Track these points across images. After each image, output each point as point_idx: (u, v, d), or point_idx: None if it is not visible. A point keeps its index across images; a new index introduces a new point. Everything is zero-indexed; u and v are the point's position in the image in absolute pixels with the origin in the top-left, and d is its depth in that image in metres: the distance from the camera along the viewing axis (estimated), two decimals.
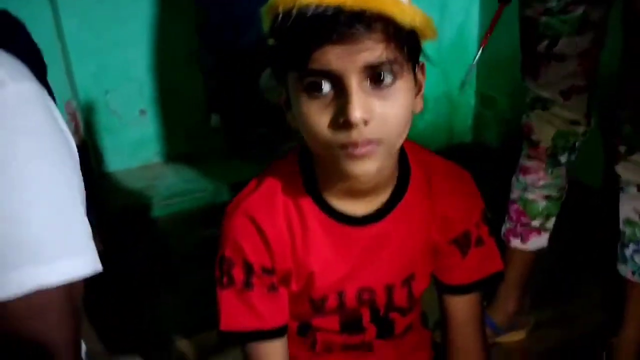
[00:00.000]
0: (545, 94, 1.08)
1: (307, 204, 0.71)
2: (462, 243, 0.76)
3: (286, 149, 0.80)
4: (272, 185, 0.72)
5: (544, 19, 1.02)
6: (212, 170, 2.17)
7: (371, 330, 0.81)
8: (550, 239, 1.21)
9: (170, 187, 2.09)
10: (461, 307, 0.78)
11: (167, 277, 1.62)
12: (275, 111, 2.51)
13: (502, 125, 2.32)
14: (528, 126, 1.14)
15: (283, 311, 0.75)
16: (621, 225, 1.06)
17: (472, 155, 2.35)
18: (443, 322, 0.81)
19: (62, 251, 0.57)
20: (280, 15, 0.57)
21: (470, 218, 0.76)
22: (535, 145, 1.14)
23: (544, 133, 1.12)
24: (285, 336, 0.76)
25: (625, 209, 1.05)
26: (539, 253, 1.21)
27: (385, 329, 0.82)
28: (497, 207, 1.21)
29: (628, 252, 1.05)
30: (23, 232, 0.54)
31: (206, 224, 1.90)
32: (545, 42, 1.03)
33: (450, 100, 2.41)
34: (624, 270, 1.07)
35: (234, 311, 0.72)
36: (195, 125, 2.29)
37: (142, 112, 2.20)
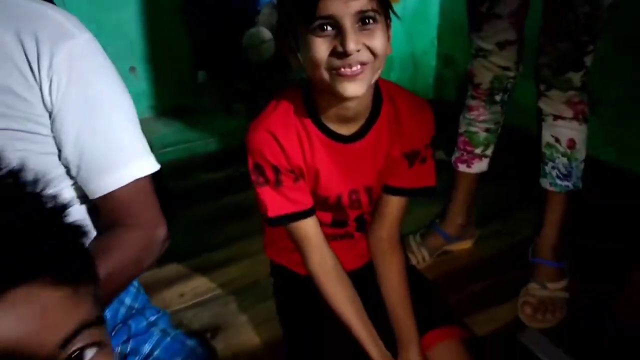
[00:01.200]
0: (485, 45, 1.33)
1: (309, 124, 0.96)
2: (411, 157, 1.02)
3: (265, 103, 1.04)
4: (284, 109, 0.96)
5: None
6: (201, 123, 2.38)
7: (352, 225, 1.09)
8: (496, 169, 1.49)
9: (162, 138, 2.27)
10: (395, 205, 1.05)
11: (166, 213, 1.84)
12: (256, 68, 2.72)
13: (460, 82, 2.58)
14: (471, 72, 1.40)
15: (309, 196, 0.99)
16: (542, 148, 1.34)
17: (434, 111, 2.61)
18: (376, 217, 1.07)
19: (142, 152, 0.81)
20: None
21: (423, 140, 1.02)
22: (477, 86, 1.40)
23: (484, 77, 1.38)
24: (315, 214, 1.00)
25: (545, 135, 1.33)
26: (481, 176, 1.49)
27: (362, 224, 1.09)
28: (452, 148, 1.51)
29: (547, 168, 1.34)
30: (119, 140, 0.78)
31: (198, 169, 2.12)
32: (486, 4, 1.28)
33: (414, 61, 2.66)
34: (544, 182, 1.35)
35: (275, 201, 0.97)
36: (184, 81, 2.48)
37: (132, 69, 2.37)
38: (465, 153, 1.46)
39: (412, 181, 1.04)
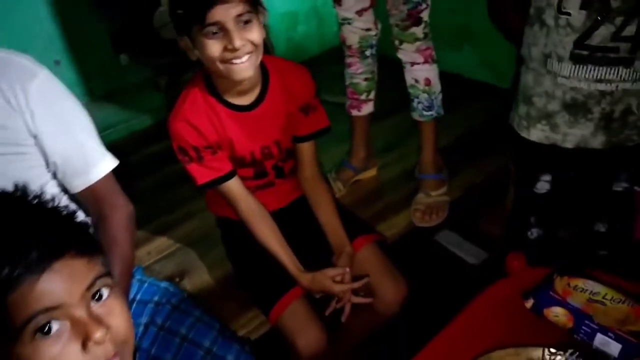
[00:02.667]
0: (347, 14, 1.65)
1: (215, 104, 1.25)
2: (305, 109, 1.33)
3: (188, 76, 1.32)
4: (192, 98, 1.24)
5: None
6: (133, 102, 2.58)
7: (272, 174, 1.39)
8: (388, 107, 1.83)
9: (101, 122, 2.47)
10: (306, 149, 1.37)
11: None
12: (172, 43, 2.90)
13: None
14: (342, 37, 1.72)
15: (227, 163, 1.29)
16: (408, 89, 1.70)
17: (341, 55, 2.90)
18: (298, 164, 1.38)
19: (105, 152, 1.08)
20: None
21: (309, 94, 1.33)
22: (349, 48, 1.72)
23: (352, 39, 1.70)
24: (236, 176, 1.31)
25: (408, 79, 1.68)
26: (371, 116, 1.84)
27: (279, 172, 1.40)
28: None
29: (414, 104, 1.71)
30: (89, 146, 1.05)
31: (139, 145, 2.34)
32: None
33: (317, 13, 2.91)
34: (415, 115, 1.72)
35: (200, 172, 1.27)
36: (108, 65, 2.65)
37: (57, 62, 2.52)
38: (354, 101, 1.81)
39: (311, 127, 1.36)
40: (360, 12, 1.65)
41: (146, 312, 1.13)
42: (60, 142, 1.00)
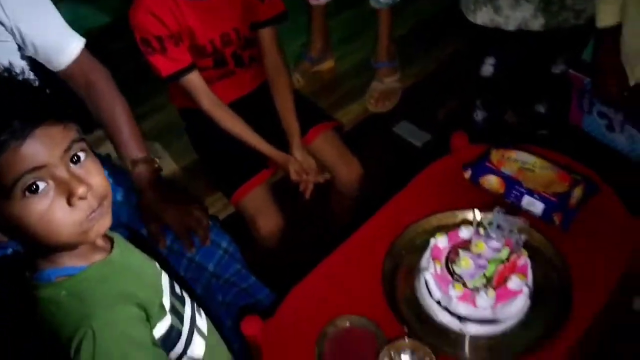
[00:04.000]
0: None
1: None
2: None
3: None
4: None
5: None
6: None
7: (231, 63, 1.43)
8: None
9: None
10: (266, 36, 1.41)
11: None
12: None
13: None
14: None
15: (188, 55, 1.33)
16: None
17: None
18: (260, 50, 1.42)
19: (73, 31, 1.11)
20: None
21: None
22: None
23: None
24: (196, 69, 1.34)
25: None
26: (327, 7, 1.85)
27: (239, 61, 1.44)
28: None
29: None
30: (61, 27, 1.09)
31: (99, 42, 2.30)
32: None
33: None
34: (373, 3, 1.75)
35: (164, 64, 1.30)
36: None
37: None
38: None
39: (268, 12, 1.39)
40: None
41: None
42: (37, 24, 1.05)
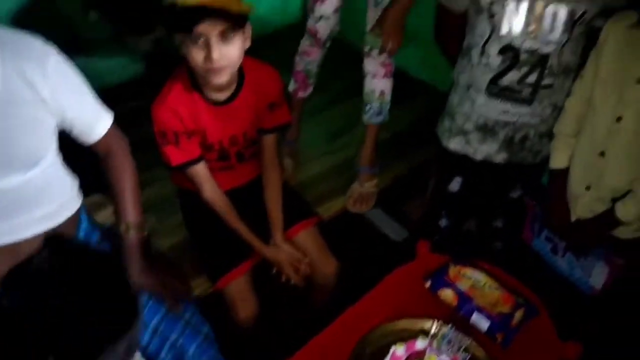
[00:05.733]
0: (326, 12, 1.84)
1: (196, 96, 1.44)
2: (272, 105, 1.54)
3: (152, 37, 1.45)
4: (177, 89, 1.43)
5: None
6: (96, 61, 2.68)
7: (234, 159, 1.60)
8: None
9: None
10: (269, 140, 1.58)
11: None
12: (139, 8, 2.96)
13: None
14: (314, 29, 1.91)
15: (198, 148, 1.49)
16: (363, 95, 1.94)
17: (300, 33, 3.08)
18: (261, 153, 1.59)
19: (105, 107, 1.25)
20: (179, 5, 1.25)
21: (277, 92, 1.53)
22: (319, 40, 1.93)
23: (324, 33, 1.91)
24: (203, 161, 1.50)
25: (366, 86, 1.92)
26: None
27: (240, 157, 1.61)
28: None
29: (367, 108, 1.96)
30: (95, 104, 1.22)
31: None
32: None
33: None
34: (365, 118, 1.98)
35: (175, 155, 1.46)
36: (78, 21, 2.71)
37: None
38: (303, 84, 2.06)
39: (275, 121, 1.57)
40: (336, 10, 1.88)
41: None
42: (77, 108, 1.17)
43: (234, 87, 1.45)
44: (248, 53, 1.40)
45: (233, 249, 1.56)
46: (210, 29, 1.25)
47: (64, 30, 2.62)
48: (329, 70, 2.13)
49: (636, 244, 1.40)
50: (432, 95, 2.37)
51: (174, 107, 1.41)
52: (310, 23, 1.93)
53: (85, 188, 1.35)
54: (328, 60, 2.07)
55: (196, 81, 1.42)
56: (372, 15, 1.79)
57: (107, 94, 2.38)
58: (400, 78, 2.50)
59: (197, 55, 1.29)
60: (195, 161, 1.49)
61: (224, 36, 1.27)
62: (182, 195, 1.72)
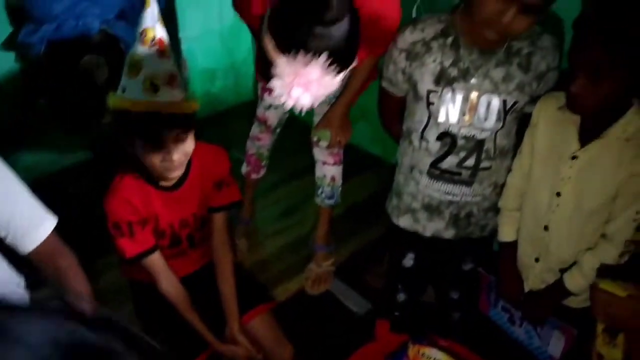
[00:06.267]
0: (277, 101, 1.84)
1: (145, 184, 1.44)
2: (219, 185, 1.54)
3: (105, 122, 1.46)
4: (127, 180, 1.42)
5: None
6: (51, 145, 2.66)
7: (185, 244, 1.59)
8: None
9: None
10: (218, 220, 1.58)
11: None
12: (94, 89, 3.01)
13: None
14: (264, 117, 1.96)
15: (152, 238, 1.48)
16: (316, 179, 1.97)
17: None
18: (210, 231, 1.58)
19: (46, 212, 1.21)
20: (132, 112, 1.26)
21: (224, 171, 1.55)
22: (268, 127, 1.97)
23: (273, 120, 1.95)
24: (158, 250, 1.48)
25: (317, 172, 1.95)
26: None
27: (192, 242, 1.60)
28: None
29: (319, 191, 1.98)
30: (30, 210, 1.18)
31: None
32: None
33: (235, 70, 3.14)
34: (318, 200, 2.00)
35: (130, 247, 1.44)
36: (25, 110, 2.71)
37: None
38: (256, 167, 2.08)
39: (223, 200, 1.57)
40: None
41: None
42: (7, 212, 1.13)
43: (181, 173, 1.46)
44: (202, 131, 1.42)
45: (187, 340, 1.52)
46: (166, 134, 1.29)
47: (10, 116, 2.62)
48: (282, 148, 2.17)
49: (587, 314, 1.42)
50: (385, 168, 2.43)
51: (126, 197, 1.41)
52: (259, 111, 1.97)
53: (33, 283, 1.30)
54: (281, 138, 2.11)
55: (146, 171, 1.42)
56: (318, 110, 1.83)
57: (54, 179, 2.35)
58: (352, 153, 2.59)
59: (153, 158, 1.32)
60: (150, 251, 1.47)
61: (179, 138, 1.31)
62: (133, 286, 1.68)
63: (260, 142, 2.04)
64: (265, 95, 1.90)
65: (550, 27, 1.42)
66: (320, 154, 1.92)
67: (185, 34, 2.80)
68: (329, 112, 1.77)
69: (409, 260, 1.76)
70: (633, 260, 1.34)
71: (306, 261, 2.03)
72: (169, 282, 1.50)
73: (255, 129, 2.02)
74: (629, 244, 1.33)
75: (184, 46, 2.80)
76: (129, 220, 1.42)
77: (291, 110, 1.91)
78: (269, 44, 1.24)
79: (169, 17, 2.64)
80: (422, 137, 1.48)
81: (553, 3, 1.20)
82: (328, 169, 1.93)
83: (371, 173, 2.49)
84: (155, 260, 1.48)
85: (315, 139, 1.88)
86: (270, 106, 1.90)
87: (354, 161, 2.52)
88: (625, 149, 1.27)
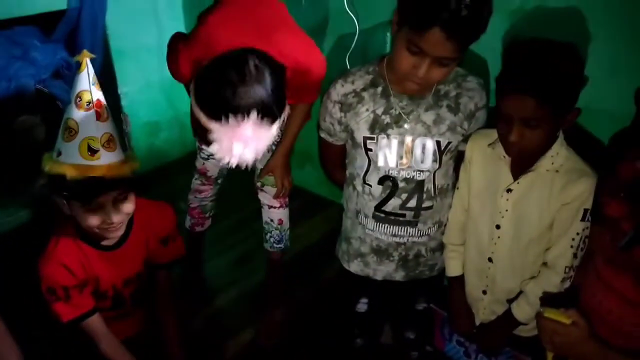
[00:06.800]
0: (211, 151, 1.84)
1: (85, 246, 1.40)
2: (165, 241, 1.53)
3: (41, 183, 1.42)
4: (64, 242, 1.38)
5: None
6: None
7: (129, 303, 1.54)
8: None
9: None
10: (163, 277, 1.56)
11: None
12: (29, 150, 2.92)
13: None
14: (204, 169, 1.92)
15: (91, 300, 1.42)
16: (263, 224, 1.94)
17: None
18: (154, 288, 1.55)
19: None
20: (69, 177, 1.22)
21: (169, 227, 1.53)
22: (209, 178, 1.94)
23: (214, 171, 1.93)
24: (98, 313, 1.43)
25: (264, 217, 1.92)
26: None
27: (136, 300, 1.55)
28: None
29: (267, 237, 1.94)
30: None
31: None
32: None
33: (179, 121, 3.12)
34: (267, 246, 1.96)
35: (66, 311, 1.38)
36: None
37: None
38: (200, 219, 2.04)
39: (169, 256, 1.55)
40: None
41: None
42: None
43: (122, 232, 1.43)
44: (148, 186, 1.40)
45: None
46: (106, 198, 1.27)
47: None
48: (228, 196, 2.15)
49: (538, 342, 1.45)
50: (334, 209, 2.44)
51: (62, 261, 1.37)
52: (198, 163, 1.93)
53: None
54: (227, 186, 2.08)
55: (83, 232, 1.39)
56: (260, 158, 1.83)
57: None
58: (300, 196, 2.59)
59: (92, 220, 1.29)
60: (89, 314, 1.42)
61: (118, 199, 1.30)
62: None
63: (202, 194, 2.00)
64: (203, 146, 1.89)
65: (474, 68, 1.49)
66: (265, 198, 1.91)
67: (126, 89, 2.78)
68: (271, 159, 1.78)
69: (362, 306, 1.76)
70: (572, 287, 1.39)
71: (262, 310, 1.98)
72: (109, 343, 1.45)
73: (195, 182, 1.99)
74: (569, 270, 1.37)
75: (124, 101, 2.77)
76: (65, 285, 1.37)
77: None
78: (200, 115, 1.27)
79: (107, 72, 2.64)
80: (364, 181, 1.51)
81: (467, 50, 1.26)
82: (275, 213, 1.91)
83: (321, 216, 2.49)
84: (94, 323, 1.43)
85: (259, 184, 1.88)
86: (209, 157, 1.89)
87: (303, 204, 2.54)
88: (555, 179, 1.33)
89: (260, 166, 1.84)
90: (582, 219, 1.32)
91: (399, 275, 1.62)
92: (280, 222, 1.93)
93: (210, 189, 2.00)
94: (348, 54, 2.07)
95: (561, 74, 1.19)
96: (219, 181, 2.00)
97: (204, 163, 1.92)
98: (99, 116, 1.26)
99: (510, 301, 1.48)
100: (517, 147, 1.27)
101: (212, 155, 1.84)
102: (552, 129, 1.27)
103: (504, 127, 1.26)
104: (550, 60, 1.19)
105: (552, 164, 1.32)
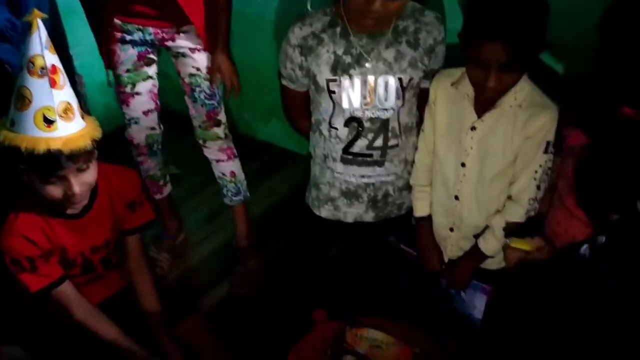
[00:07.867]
0: (134, 114, 1.76)
1: (49, 218, 1.36)
2: (132, 205, 1.49)
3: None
4: (24, 213, 1.34)
5: None
6: None
7: (100, 268, 1.53)
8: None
9: None
10: (133, 242, 1.54)
11: None
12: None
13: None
14: (130, 136, 1.82)
15: (59, 268, 1.40)
16: (217, 180, 1.92)
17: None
18: (124, 255, 1.53)
19: None
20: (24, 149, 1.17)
21: (135, 192, 1.50)
22: (137, 146, 1.84)
23: (139, 138, 1.81)
24: (67, 280, 1.40)
25: (216, 172, 1.90)
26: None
27: (107, 264, 1.54)
28: None
29: (224, 191, 1.93)
30: None
31: None
32: (129, 87, 1.75)
33: None
34: (226, 200, 1.96)
35: (34, 281, 1.36)
36: None
37: None
38: (155, 188, 1.99)
39: (137, 221, 1.52)
40: (146, 113, 1.78)
41: None
42: None
43: (87, 199, 1.39)
44: (104, 151, 1.35)
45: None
46: (68, 170, 1.23)
47: None
48: (187, 158, 2.12)
49: (504, 274, 1.51)
50: (303, 162, 2.44)
51: (22, 232, 1.33)
52: (126, 133, 1.83)
53: None
54: (183, 148, 2.03)
55: (45, 201, 1.33)
56: (194, 112, 1.78)
57: None
58: (268, 151, 2.59)
59: (53, 192, 1.26)
60: (58, 282, 1.40)
61: (81, 169, 1.26)
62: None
63: (144, 166, 1.91)
64: (123, 107, 1.78)
65: (431, 3, 1.49)
66: (210, 153, 1.87)
67: (77, 49, 2.66)
68: (213, 58, 1.65)
69: (336, 250, 1.79)
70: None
71: (234, 264, 2.00)
72: (82, 309, 1.43)
73: (133, 154, 1.89)
74: (533, 202, 1.42)
75: (77, 62, 2.66)
76: (29, 255, 1.34)
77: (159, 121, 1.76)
78: None
79: (56, 34, 2.52)
80: (330, 125, 1.51)
81: None
82: (224, 166, 1.88)
83: (288, 168, 2.49)
84: (65, 290, 1.41)
85: (200, 141, 1.84)
86: (131, 121, 1.78)
87: (271, 159, 2.54)
88: (519, 114, 1.36)
89: (196, 123, 1.79)
90: (545, 152, 1.36)
91: (369, 216, 1.65)
92: (233, 174, 1.90)
93: (147, 159, 1.89)
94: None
95: (531, 15, 1.20)
96: (154, 149, 1.87)
97: (128, 130, 1.82)
98: (54, 83, 1.17)
99: (477, 236, 1.54)
100: (495, 91, 1.29)
101: (133, 118, 1.78)
102: (525, 68, 1.29)
103: (480, 73, 1.28)
104: (516, 2, 1.20)
105: (515, 99, 1.35)
